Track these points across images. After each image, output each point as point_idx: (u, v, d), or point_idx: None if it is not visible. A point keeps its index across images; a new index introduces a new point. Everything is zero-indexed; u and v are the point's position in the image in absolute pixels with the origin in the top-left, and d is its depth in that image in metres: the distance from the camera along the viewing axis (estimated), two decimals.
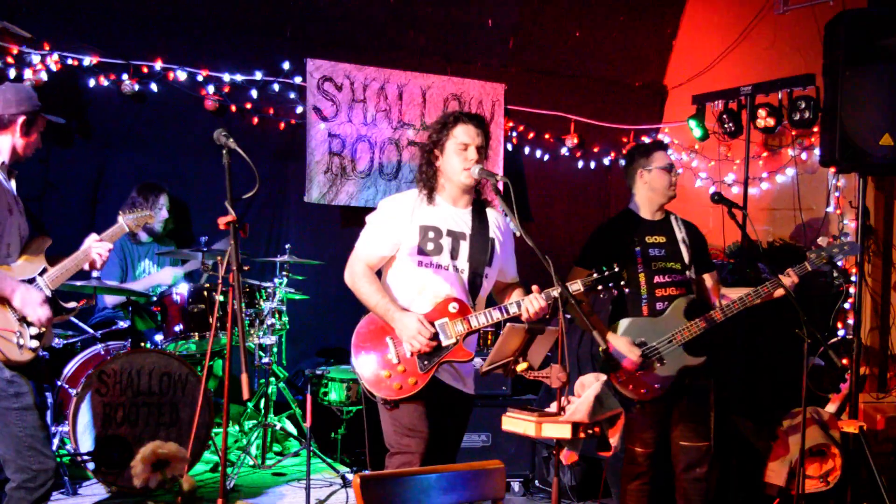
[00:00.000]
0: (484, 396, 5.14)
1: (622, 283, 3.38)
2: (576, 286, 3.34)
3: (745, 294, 4.03)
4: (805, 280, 4.05)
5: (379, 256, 3.45)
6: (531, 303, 3.29)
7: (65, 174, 5.68)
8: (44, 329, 3.43)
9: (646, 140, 7.41)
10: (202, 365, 5.15)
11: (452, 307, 3.34)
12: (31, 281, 3.42)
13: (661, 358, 3.93)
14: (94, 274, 4.76)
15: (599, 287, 3.38)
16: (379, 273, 3.50)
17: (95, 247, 3.57)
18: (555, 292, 3.25)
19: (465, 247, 3.43)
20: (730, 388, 5.13)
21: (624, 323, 4.00)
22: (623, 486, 4.12)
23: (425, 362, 3.29)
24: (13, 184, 3.52)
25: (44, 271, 3.47)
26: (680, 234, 4.15)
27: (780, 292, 3.99)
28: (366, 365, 3.32)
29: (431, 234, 3.39)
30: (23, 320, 3.38)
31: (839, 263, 4.20)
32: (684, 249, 4.11)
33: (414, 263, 3.39)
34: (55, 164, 5.60)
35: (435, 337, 3.28)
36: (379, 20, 6.49)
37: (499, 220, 3.58)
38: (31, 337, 3.37)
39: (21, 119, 3.42)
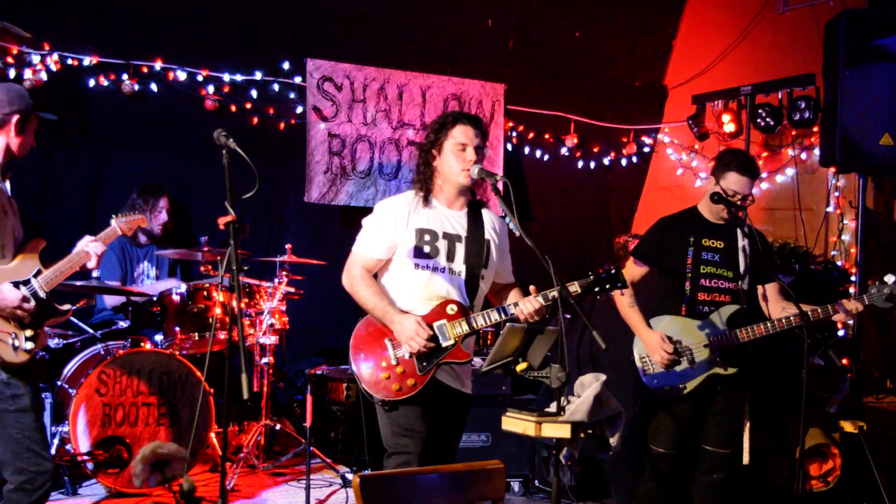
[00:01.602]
0: (484, 396, 5.14)
1: (619, 284, 3.36)
2: (573, 287, 3.33)
3: (792, 315, 3.83)
4: (806, 280, 4.01)
5: (376, 259, 3.44)
6: (527, 304, 3.29)
7: (65, 174, 5.68)
8: (38, 331, 3.43)
9: (647, 140, 7.42)
10: (202, 365, 5.15)
11: (450, 309, 3.34)
12: (26, 282, 3.41)
13: (692, 360, 3.91)
14: (94, 274, 4.76)
15: (597, 289, 3.37)
16: (375, 276, 3.50)
17: (90, 247, 3.56)
18: (553, 294, 3.24)
19: (461, 249, 3.43)
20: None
21: (664, 319, 3.98)
22: (639, 484, 4.09)
23: (424, 363, 3.29)
24: (7, 185, 3.51)
25: (38, 273, 3.46)
26: (742, 241, 4.01)
27: (839, 317, 3.86)
28: (364, 367, 3.32)
29: (427, 237, 3.40)
30: (20, 322, 3.37)
31: None
32: (742, 258, 3.99)
33: (411, 266, 3.39)
34: (55, 164, 5.61)
35: (433, 338, 3.28)
36: (379, 20, 6.49)
37: (494, 222, 3.57)
38: (27, 339, 3.37)
39: (15, 118, 3.41)
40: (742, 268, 3.99)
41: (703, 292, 3.96)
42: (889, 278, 3.84)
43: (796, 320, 3.80)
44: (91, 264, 3.58)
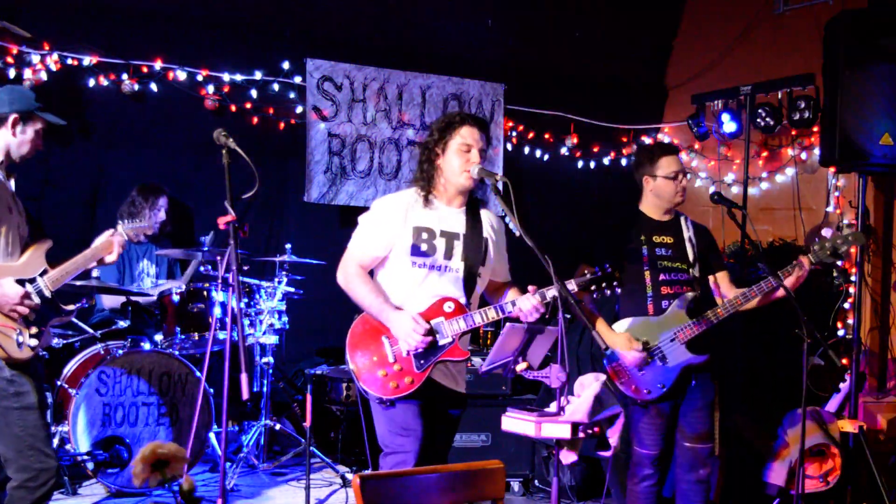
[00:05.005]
0: (484, 396, 5.14)
1: (615, 283, 3.37)
2: (570, 286, 3.34)
3: (747, 290, 3.93)
4: (805, 279, 4.00)
5: (372, 257, 3.44)
6: (524, 302, 3.29)
7: (65, 174, 5.68)
8: (42, 329, 3.43)
9: (647, 140, 7.42)
10: (202, 365, 5.15)
11: (448, 306, 3.34)
12: (32, 281, 3.43)
13: (663, 357, 3.91)
14: (94, 274, 4.77)
15: (593, 287, 3.38)
16: (371, 273, 3.50)
17: (100, 248, 3.59)
18: (551, 292, 3.25)
19: (459, 247, 3.42)
20: (730, 388, 5.13)
21: (625, 322, 3.99)
22: (630, 488, 4.10)
23: (421, 361, 3.29)
24: (12, 183, 3.53)
25: (44, 272, 3.47)
26: (687, 233, 4.10)
27: (784, 287, 3.87)
28: (362, 365, 3.32)
29: (425, 235, 3.39)
30: (25, 319, 3.38)
31: (844, 254, 4.07)
32: (689, 249, 4.07)
33: (408, 264, 3.38)
34: (55, 164, 5.60)
35: (430, 335, 3.28)
36: (379, 20, 6.49)
37: (492, 220, 3.58)
38: (31, 336, 3.38)
39: (13, 118, 3.42)
40: (691, 257, 4.06)
41: (666, 286, 3.99)
42: (826, 232, 3.88)
43: (752, 294, 3.91)
44: (111, 259, 3.61)
